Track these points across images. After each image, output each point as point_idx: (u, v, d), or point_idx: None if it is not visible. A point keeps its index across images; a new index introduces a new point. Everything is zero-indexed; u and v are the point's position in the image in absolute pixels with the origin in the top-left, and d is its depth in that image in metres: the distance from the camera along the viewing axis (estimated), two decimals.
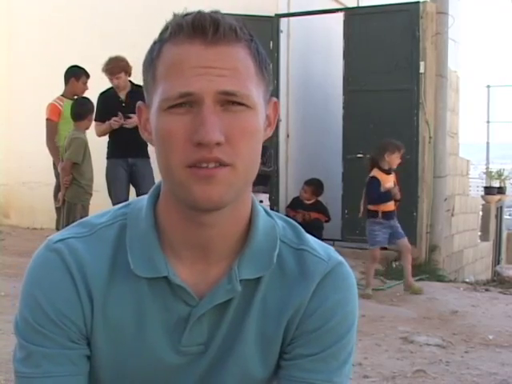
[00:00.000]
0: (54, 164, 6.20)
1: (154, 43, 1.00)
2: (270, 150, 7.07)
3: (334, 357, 1.07)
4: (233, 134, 0.94)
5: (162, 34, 0.99)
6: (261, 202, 7.06)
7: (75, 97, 6.09)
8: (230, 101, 0.94)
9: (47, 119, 6.24)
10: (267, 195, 7.06)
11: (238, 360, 1.06)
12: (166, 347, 1.05)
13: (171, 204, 1.02)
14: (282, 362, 1.08)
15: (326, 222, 7.59)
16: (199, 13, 0.96)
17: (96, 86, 6.21)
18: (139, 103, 1.05)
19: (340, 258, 1.11)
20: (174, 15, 0.99)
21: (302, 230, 1.13)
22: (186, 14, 0.97)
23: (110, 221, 1.07)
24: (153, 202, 1.06)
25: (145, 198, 1.08)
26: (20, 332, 1.04)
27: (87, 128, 5.74)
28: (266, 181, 7.01)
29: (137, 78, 5.66)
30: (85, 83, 6.31)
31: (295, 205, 7.71)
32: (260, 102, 0.99)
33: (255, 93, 0.97)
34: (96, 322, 1.03)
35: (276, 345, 1.07)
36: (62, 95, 6.32)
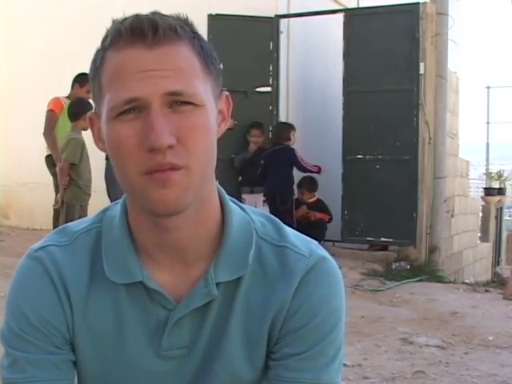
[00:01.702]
0: (47, 160, 6.21)
1: (97, 52, 0.98)
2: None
3: (322, 354, 1.05)
4: (184, 134, 0.93)
5: (103, 41, 0.98)
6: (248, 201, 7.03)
7: None
8: (177, 101, 0.93)
9: (49, 110, 6.23)
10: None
11: (225, 362, 1.05)
12: (146, 352, 1.05)
13: (138, 212, 1.02)
14: (269, 362, 1.07)
15: (329, 221, 7.57)
16: (137, 16, 0.95)
17: None
18: (90, 113, 1.05)
19: (323, 253, 1.08)
20: (113, 21, 0.98)
21: (283, 224, 1.11)
22: (125, 19, 0.96)
23: (88, 227, 1.08)
24: (125, 207, 1.06)
25: (119, 203, 1.08)
26: (5, 339, 1.05)
27: (84, 129, 5.73)
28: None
29: None
30: (88, 91, 6.30)
31: (298, 205, 7.69)
32: (209, 98, 0.97)
33: (202, 90, 0.96)
34: (78, 329, 1.04)
35: (262, 344, 1.06)
36: (66, 97, 6.34)
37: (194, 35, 0.97)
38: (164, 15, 0.97)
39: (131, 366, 1.05)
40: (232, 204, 1.07)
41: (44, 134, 6.22)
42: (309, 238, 1.11)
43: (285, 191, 7.10)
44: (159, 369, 1.06)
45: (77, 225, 1.10)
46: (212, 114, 0.98)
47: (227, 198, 1.07)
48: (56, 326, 1.03)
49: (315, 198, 7.69)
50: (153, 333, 1.04)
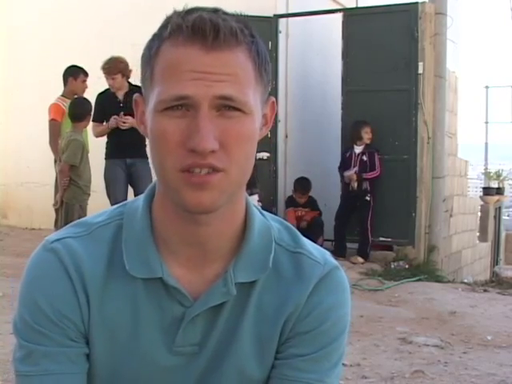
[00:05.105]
0: (56, 163, 6.20)
1: (153, 39, 0.98)
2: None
3: (327, 358, 1.08)
4: (228, 141, 0.94)
5: (161, 29, 0.97)
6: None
7: (75, 96, 6.08)
8: (226, 105, 0.94)
9: (51, 119, 6.22)
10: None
11: (234, 361, 1.07)
12: (160, 347, 1.05)
13: (167, 204, 1.02)
14: (274, 361, 1.09)
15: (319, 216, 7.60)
16: (200, 15, 0.94)
17: (94, 87, 6.21)
18: (136, 95, 1.05)
19: (335, 262, 1.12)
20: (175, 12, 0.97)
21: (298, 232, 1.14)
22: (187, 12, 0.96)
23: (107, 220, 1.08)
24: (148, 201, 1.07)
25: (141, 197, 1.09)
26: (19, 332, 1.05)
27: (85, 127, 5.74)
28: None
29: (136, 78, 5.65)
30: (84, 81, 6.31)
31: (291, 204, 7.70)
32: (257, 106, 0.98)
33: (252, 98, 0.96)
34: (93, 322, 1.04)
35: (273, 346, 1.08)
36: (62, 95, 6.31)
37: (253, 40, 0.98)
38: (226, 15, 0.96)
39: (143, 359, 1.05)
40: (254, 208, 1.09)
41: (50, 143, 6.22)
42: (322, 248, 1.14)
43: None
44: (169, 364, 1.06)
45: (93, 218, 1.10)
46: (258, 121, 0.99)
47: (250, 201, 1.09)
48: (71, 319, 1.03)
49: (307, 197, 7.71)
50: (167, 328, 1.05)
